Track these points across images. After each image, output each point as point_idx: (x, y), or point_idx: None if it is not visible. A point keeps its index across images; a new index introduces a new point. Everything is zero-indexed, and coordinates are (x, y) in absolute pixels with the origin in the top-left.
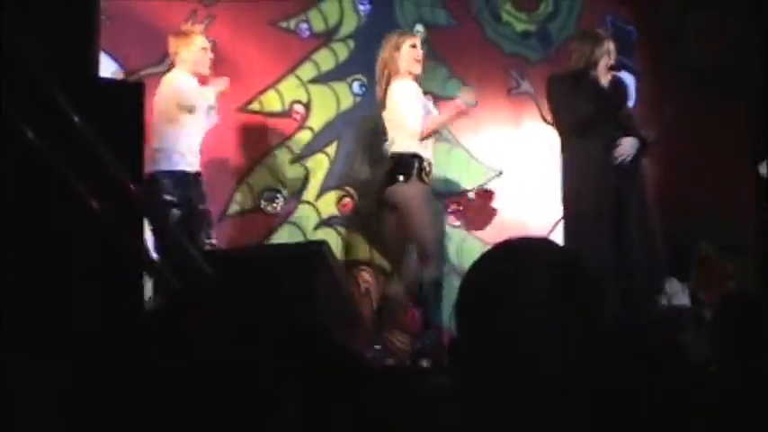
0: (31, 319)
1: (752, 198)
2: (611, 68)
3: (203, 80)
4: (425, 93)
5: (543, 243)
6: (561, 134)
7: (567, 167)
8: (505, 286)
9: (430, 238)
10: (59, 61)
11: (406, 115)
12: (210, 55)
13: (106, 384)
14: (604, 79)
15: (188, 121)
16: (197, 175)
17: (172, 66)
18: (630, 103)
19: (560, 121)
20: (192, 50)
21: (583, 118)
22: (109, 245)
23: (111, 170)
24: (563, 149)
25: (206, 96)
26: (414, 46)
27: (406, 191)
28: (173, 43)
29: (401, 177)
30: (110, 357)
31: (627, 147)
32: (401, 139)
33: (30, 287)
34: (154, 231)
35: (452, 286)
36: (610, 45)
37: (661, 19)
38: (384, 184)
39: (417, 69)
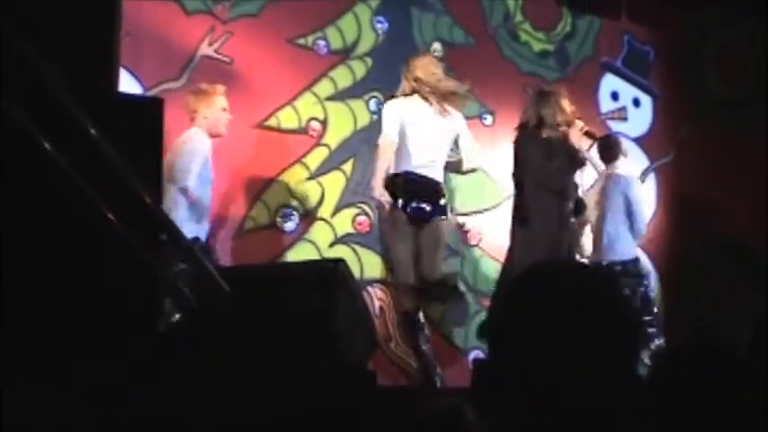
0: (49, 333)
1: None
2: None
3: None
4: None
5: (572, 266)
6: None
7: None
8: (536, 311)
9: (394, 264)
10: (80, 77)
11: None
12: (228, 115)
13: (122, 394)
14: (554, 135)
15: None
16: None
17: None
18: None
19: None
20: (214, 110)
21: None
22: (126, 259)
23: (129, 184)
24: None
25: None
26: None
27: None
28: (192, 101)
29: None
30: (127, 371)
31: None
32: None
33: (47, 301)
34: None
35: (468, 305)
36: (561, 103)
37: (680, 42)
38: None
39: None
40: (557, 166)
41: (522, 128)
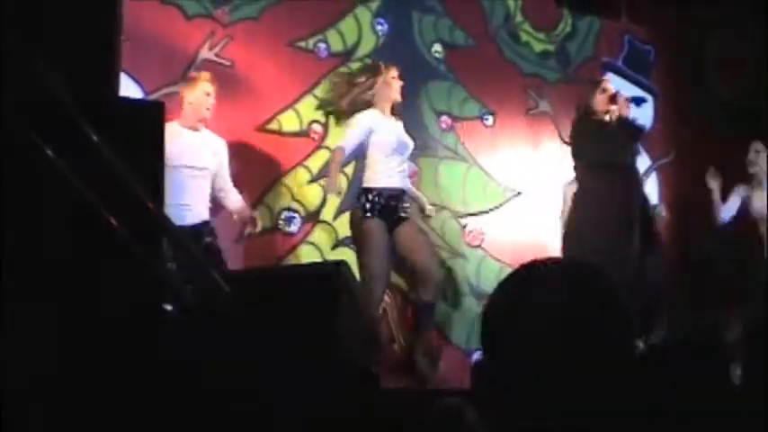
0: (49, 333)
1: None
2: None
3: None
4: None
5: (567, 266)
6: (581, 167)
7: (583, 197)
8: (529, 310)
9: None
10: (80, 82)
11: None
12: (212, 100)
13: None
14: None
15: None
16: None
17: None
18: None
19: (583, 156)
20: (197, 95)
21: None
22: (128, 262)
23: (130, 189)
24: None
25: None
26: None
27: (356, 227)
28: (181, 89)
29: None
30: (127, 372)
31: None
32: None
33: (47, 301)
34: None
35: (469, 307)
36: (607, 85)
37: (680, 42)
38: None
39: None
40: (610, 136)
41: (574, 121)
